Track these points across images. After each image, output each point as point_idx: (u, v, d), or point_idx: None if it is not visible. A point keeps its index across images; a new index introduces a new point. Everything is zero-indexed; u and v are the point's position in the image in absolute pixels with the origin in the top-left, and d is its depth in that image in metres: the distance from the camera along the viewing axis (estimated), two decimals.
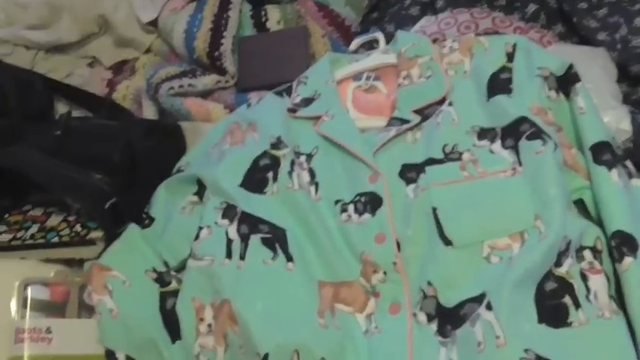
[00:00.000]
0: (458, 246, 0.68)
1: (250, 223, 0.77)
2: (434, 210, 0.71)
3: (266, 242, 0.75)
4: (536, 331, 0.61)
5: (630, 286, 0.64)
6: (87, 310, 0.77)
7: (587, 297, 0.64)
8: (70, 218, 0.86)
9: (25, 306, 0.73)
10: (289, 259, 0.73)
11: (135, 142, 0.91)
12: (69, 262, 0.84)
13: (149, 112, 1.02)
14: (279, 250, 0.74)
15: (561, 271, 0.65)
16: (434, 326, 0.65)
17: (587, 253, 0.67)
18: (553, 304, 0.63)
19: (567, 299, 0.64)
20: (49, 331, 0.70)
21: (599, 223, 0.70)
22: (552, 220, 0.67)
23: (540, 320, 0.62)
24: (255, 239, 0.75)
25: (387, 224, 0.72)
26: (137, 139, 0.92)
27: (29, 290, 0.74)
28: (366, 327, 0.68)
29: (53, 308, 0.74)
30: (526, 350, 0.59)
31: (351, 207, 0.75)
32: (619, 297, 0.66)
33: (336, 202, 0.76)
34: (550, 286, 0.64)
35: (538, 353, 0.59)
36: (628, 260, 0.65)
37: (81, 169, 0.86)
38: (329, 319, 0.68)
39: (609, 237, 0.67)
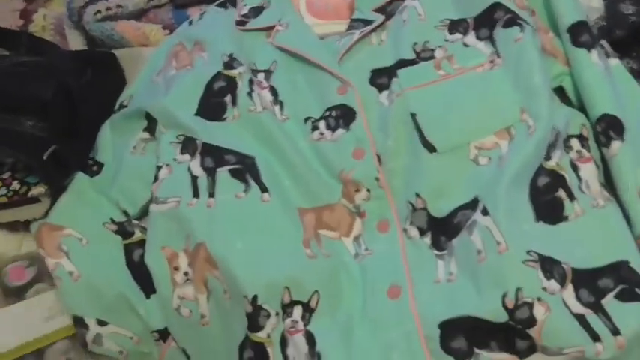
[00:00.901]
0: (442, 151, 0.64)
1: (215, 155, 0.70)
2: (412, 116, 0.67)
3: (235, 174, 0.69)
4: (535, 230, 0.60)
5: (620, 170, 0.62)
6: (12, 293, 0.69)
7: (579, 187, 0.62)
8: (5, 176, 0.75)
9: None
10: (263, 189, 0.68)
11: (66, 79, 0.80)
12: (13, 226, 0.75)
13: (76, 43, 0.91)
14: (251, 181, 0.68)
15: (551, 164, 0.63)
16: (427, 240, 0.63)
17: (575, 142, 0.65)
18: (548, 199, 0.61)
19: (561, 193, 0.62)
20: None
21: (582, 109, 0.67)
22: (540, 111, 0.64)
23: (538, 218, 0.60)
24: (222, 172, 0.69)
25: (364, 137, 0.68)
26: (68, 74, 0.81)
27: None
28: (356, 250, 0.65)
29: None
30: (528, 252, 0.57)
31: (322, 124, 0.70)
32: (607, 184, 0.65)
33: (305, 120, 0.71)
34: (543, 181, 0.62)
35: (540, 252, 0.57)
36: (616, 144, 0.63)
37: (8, 117, 0.76)
38: (315, 248, 0.64)
39: (594, 122, 0.65)
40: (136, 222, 0.74)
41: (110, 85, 0.85)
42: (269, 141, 0.70)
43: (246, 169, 0.69)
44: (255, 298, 0.61)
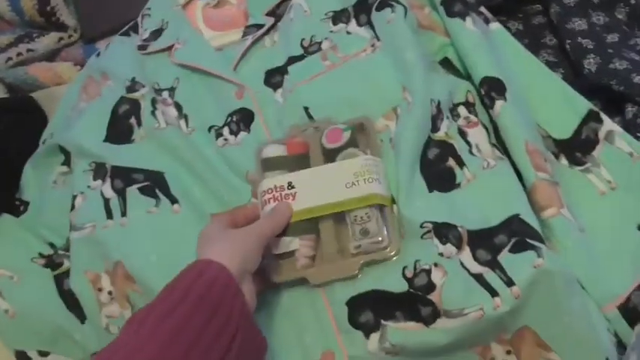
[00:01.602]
0: None
1: (123, 176, 0.71)
2: (306, 110, 0.68)
3: (145, 191, 0.70)
4: (428, 202, 0.60)
5: (506, 127, 0.63)
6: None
7: (470, 151, 0.63)
8: None
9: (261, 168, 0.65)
10: (173, 201, 0.69)
11: None
12: None
13: None
14: (161, 195, 0.69)
15: (440, 134, 0.64)
16: None
17: (462, 110, 0.66)
18: (439, 169, 0.62)
19: (451, 161, 0.62)
20: (291, 186, 0.61)
21: (469, 76, 0.68)
22: (415, 86, 0.65)
23: (430, 189, 0.61)
24: (132, 191, 0.70)
25: (263, 136, 0.69)
26: None
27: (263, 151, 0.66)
28: None
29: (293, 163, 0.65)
30: (422, 224, 0.58)
31: (225, 130, 0.71)
32: (500, 144, 0.65)
33: (210, 128, 0.71)
34: (432, 152, 0.63)
35: (435, 221, 0.58)
36: (499, 104, 0.63)
37: None
38: None
39: (478, 86, 0.66)
40: (63, 252, 0.74)
41: (32, 126, 0.86)
42: (176, 154, 0.71)
43: (155, 185, 0.70)
44: None
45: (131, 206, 0.69)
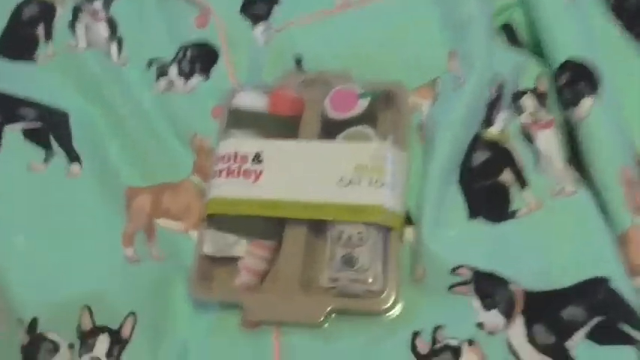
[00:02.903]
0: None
1: (5, 106, 0.45)
2: (297, 61, 0.44)
3: (32, 135, 0.44)
4: (468, 233, 0.37)
5: (594, 139, 0.39)
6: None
7: (536, 166, 0.40)
8: None
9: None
10: (73, 158, 0.44)
11: None
12: None
13: None
14: (56, 147, 0.44)
15: (493, 132, 0.40)
16: None
17: (528, 100, 0.42)
18: (487, 185, 0.39)
19: (506, 175, 0.39)
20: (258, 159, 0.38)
21: (539, 55, 0.45)
22: (472, 54, 0.42)
23: (473, 213, 0.38)
24: (12, 132, 0.44)
25: (226, 87, 0.45)
26: None
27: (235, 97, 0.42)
28: None
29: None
30: (455, 268, 0.35)
31: (172, 69, 0.47)
32: (576, 159, 0.42)
33: (150, 63, 0.48)
34: (480, 157, 0.40)
35: (476, 267, 0.35)
36: (587, 102, 0.40)
37: None
38: (141, 246, 0.41)
39: (556, 71, 0.42)
40: None
41: None
42: (95, 91, 0.47)
43: (50, 129, 0.45)
44: (34, 322, 0.38)
45: (5, 155, 0.44)
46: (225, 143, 0.41)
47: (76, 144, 0.44)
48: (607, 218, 0.38)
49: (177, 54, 0.48)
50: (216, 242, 0.38)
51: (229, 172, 0.39)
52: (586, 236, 0.37)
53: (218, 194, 0.39)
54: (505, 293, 0.34)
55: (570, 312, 0.34)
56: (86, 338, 0.37)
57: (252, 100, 0.42)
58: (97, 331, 0.37)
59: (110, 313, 0.38)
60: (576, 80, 0.41)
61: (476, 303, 0.34)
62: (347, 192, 0.37)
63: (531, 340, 0.33)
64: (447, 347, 0.33)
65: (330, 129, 0.40)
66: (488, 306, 0.34)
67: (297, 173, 0.38)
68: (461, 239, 0.36)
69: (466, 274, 0.35)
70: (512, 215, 0.38)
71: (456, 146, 0.39)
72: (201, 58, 0.47)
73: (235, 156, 0.39)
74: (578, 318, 0.34)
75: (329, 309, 0.35)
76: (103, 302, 0.38)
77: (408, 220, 0.38)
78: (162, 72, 0.47)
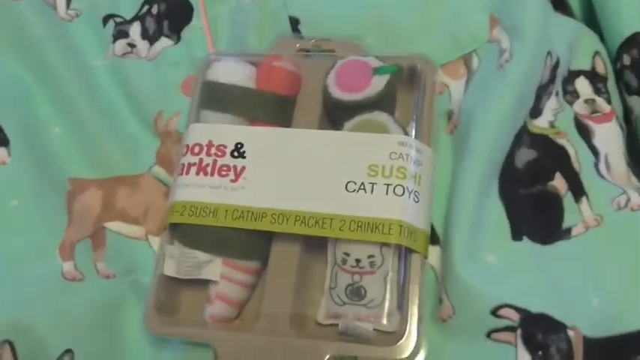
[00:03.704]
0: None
1: None
2: (293, 22, 0.35)
3: None
4: (511, 258, 0.28)
5: None
6: None
7: (595, 168, 0.31)
8: None
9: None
10: (2, 141, 0.34)
11: None
12: None
13: None
14: None
15: (540, 123, 0.31)
16: None
17: (583, 84, 0.33)
18: (534, 194, 0.30)
19: (559, 181, 0.30)
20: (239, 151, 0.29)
21: (594, 27, 0.35)
22: (522, 23, 0.32)
23: (517, 232, 0.29)
24: None
25: (201, 53, 0.35)
26: None
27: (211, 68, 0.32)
28: None
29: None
30: (497, 308, 0.26)
31: (134, 28, 0.37)
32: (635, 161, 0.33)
33: (106, 19, 0.37)
34: (524, 156, 0.30)
35: (523, 307, 0.26)
36: None
37: None
38: (85, 259, 0.31)
39: (618, 49, 0.33)
40: None
41: None
42: (33, 54, 0.36)
43: None
44: None
45: None
46: (195, 128, 0.31)
47: (4, 122, 0.34)
48: None
49: (140, 9, 0.38)
50: (181, 261, 0.28)
51: (201, 169, 0.29)
52: None
53: (184, 197, 0.29)
54: (561, 343, 0.26)
55: None
56: None
57: (233, 72, 0.32)
58: None
59: (40, 350, 0.28)
60: None
61: (524, 356, 0.26)
62: (356, 201, 0.28)
63: None
64: None
65: (335, 114, 0.31)
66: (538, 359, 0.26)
67: (291, 173, 0.29)
68: (503, 267, 0.27)
69: (512, 317, 0.26)
70: (565, 234, 0.29)
71: (497, 146, 0.30)
72: (171, 15, 0.37)
73: (209, 147, 0.30)
74: None
75: (328, 356, 0.27)
76: (30, 336, 0.28)
77: (432, 240, 0.29)
78: (120, 31, 0.37)
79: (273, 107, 0.31)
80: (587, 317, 0.27)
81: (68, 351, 0.28)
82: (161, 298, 0.29)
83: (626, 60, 0.33)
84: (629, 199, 0.30)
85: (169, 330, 0.28)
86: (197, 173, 0.30)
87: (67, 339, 0.29)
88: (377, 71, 0.30)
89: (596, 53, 0.34)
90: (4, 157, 0.33)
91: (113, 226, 0.33)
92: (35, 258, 0.31)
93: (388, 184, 0.28)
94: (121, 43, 0.37)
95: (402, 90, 0.31)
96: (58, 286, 0.30)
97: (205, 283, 0.29)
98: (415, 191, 0.28)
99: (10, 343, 0.28)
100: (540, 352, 0.25)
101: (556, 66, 0.32)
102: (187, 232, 0.29)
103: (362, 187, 0.28)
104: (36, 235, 0.31)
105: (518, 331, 0.26)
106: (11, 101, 0.35)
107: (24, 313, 0.29)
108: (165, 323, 0.28)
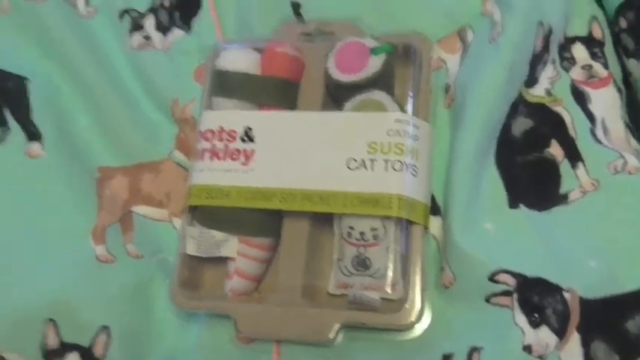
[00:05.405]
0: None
1: None
2: (295, 6, 0.34)
3: None
4: (509, 225, 0.28)
5: None
6: None
7: (592, 133, 0.30)
8: None
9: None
10: (33, 136, 0.35)
11: None
12: None
13: None
14: (12, 121, 0.35)
15: (537, 92, 0.31)
16: None
17: (579, 50, 0.32)
18: (531, 161, 0.30)
19: (555, 148, 0.30)
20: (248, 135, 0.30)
21: None
22: None
23: (514, 200, 0.29)
24: None
25: (212, 41, 0.35)
26: None
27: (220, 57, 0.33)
28: None
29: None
30: (494, 274, 0.27)
31: (149, 21, 0.37)
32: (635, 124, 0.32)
33: (122, 14, 0.38)
34: (521, 125, 0.30)
35: (520, 272, 0.27)
36: None
37: None
38: (116, 242, 0.32)
39: (615, 14, 0.32)
40: None
41: None
42: (57, 50, 0.37)
43: (3, 99, 0.35)
44: None
45: None
46: (207, 115, 0.32)
47: (36, 117, 0.35)
48: None
49: (153, 2, 0.38)
50: (200, 240, 0.29)
51: (214, 154, 0.30)
52: None
53: (200, 181, 0.30)
54: (557, 304, 0.26)
55: (638, 324, 0.26)
56: (52, 358, 0.30)
57: (240, 59, 0.32)
58: (64, 349, 0.30)
59: (79, 327, 0.30)
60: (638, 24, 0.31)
61: (521, 319, 0.26)
62: (357, 177, 0.28)
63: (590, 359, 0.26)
64: None
65: (337, 95, 0.31)
66: (536, 323, 0.26)
67: (297, 154, 0.29)
68: (500, 234, 0.27)
69: (508, 282, 0.27)
70: (562, 200, 0.29)
71: (493, 116, 0.29)
72: (182, 6, 0.37)
73: (220, 132, 0.31)
74: None
75: (339, 323, 0.28)
76: (70, 314, 0.30)
77: (433, 210, 0.30)
78: (136, 25, 0.37)
79: (278, 91, 0.31)
80: (584, 279, 0.27)
81: (105, 327, 0.30)
82: (185, 276, 0.30)
83: (623, 23, 0.32)
84: (625, 163, 0.29)
85: (194, 304, 0.30)
86: (211, 158, 0.30)
87: (103, 316, 0.30)
88: (373, 52, 0.30)
89: (593, 18, 0.33)
90: (39, 151, 0.34)
91: (140, 209, 0.34)
92: (72, 243, 0.32)
93: (387, 160, 0.28)
94: (136, 36, 0.37)
95: (399, 67, 0.31)
96: (94, 268, 0.31)
97: (224, 260, 0.30)
98: (413, 165, 0.28)
99: (53, 321, 0.30)
100: (536, 314, 0.26)
101: (548, 35, 0.31)
102: (205, 214, 0.30)
103: (363, 164, 0.28)
104: (72, 222, 0.32)
105: (515, 295, 0.26)
106: (43, 99, 0.36)
107: (64, 293, 0.30)
108: (190, 298, 0.30)
